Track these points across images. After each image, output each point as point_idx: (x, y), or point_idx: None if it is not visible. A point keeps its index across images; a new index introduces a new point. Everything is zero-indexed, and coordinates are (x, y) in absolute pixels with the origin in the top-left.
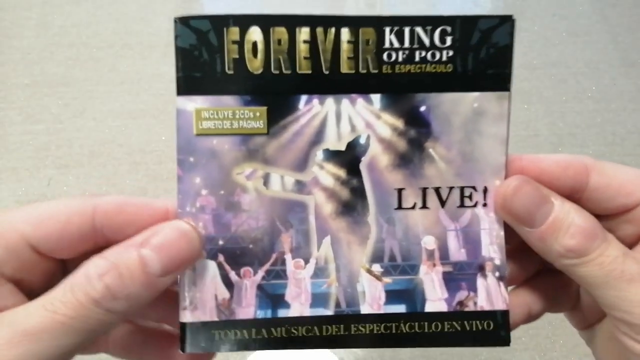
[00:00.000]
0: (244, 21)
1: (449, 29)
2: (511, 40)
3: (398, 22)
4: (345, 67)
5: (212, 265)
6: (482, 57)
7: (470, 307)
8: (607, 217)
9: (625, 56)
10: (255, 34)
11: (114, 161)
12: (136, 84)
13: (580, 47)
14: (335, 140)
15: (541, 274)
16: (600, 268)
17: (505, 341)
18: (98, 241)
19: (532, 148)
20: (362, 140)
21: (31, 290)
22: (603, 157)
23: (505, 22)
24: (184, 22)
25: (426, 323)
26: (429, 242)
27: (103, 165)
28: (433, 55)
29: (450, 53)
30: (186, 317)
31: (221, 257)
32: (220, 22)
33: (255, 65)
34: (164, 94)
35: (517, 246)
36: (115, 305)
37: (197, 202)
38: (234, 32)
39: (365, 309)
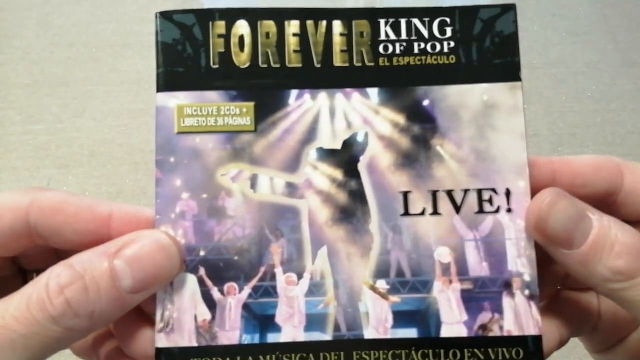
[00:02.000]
0: (231, 14)
1: (448, 20)
2: (516, 28)
3: (393, 14)
4: (338, 61)
5: (192, 280)
6: (488, 46)
7: (495, 331)
8: None
9: (625, 56)
10: (242, 27)
11: (114, 161)
12: (136, 84)
13: (580, 47)
14: (330, 138)
15: (563, 293)
16: None
17: None
18: (36, 240)
19: (532, 148)
20: (360, 138)
21: None
22: None
23: (508, 11)
24: (166, 17)
25: (442, 351)
26: (444, 255)
27: (103, 165)
28: (434, 47)
29: (452, 44)
30: (161, 341)
31: (202, 271)
32: (206, 16)
33: (242, 59)
34: None
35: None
36: (76, 324)
37: (177, 207)
38: (220, 26)
39: (369, 334)
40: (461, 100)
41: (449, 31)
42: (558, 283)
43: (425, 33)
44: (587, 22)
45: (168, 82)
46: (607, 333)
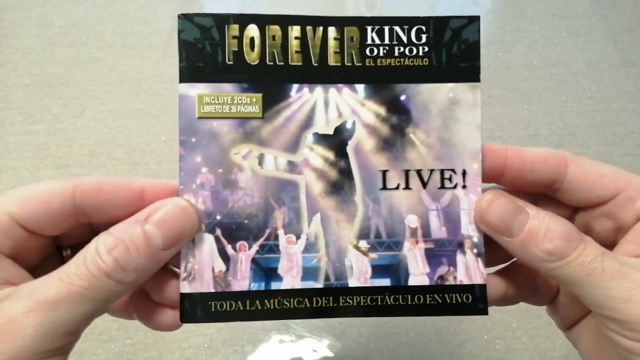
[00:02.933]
0: (244, 19)
1: (424, 28)
2: (478, 36)
3: (379, 22)
4: (332, 60)
5: (209, 239)
6: (455, 52)
7: (450, 281)
8: (585, 211)
9: (625, 56)
10: (253, 30)
11: (114, 161)
12: (136, 84)
13: (580, 47)
14: (324, 125)
15: (522, 266)
16: (581, 268)
17: (482, 312)
18: (80, 219)
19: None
20: (349, 125)
21: (28, 265)
22: (603, 157)
23: (474, 21)
24: (188, 18)
25: (409, 296)
26: (412, 221)
27: (103, 165)
28: (410, 51)
29: (426, 49)
30: (185, 288)
31: (218, 231)
32: (223, 19)
33: (252, 57)
34: (164, 94)
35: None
36: (124, 277)
37: (198, 179)
38: (234, 29)
39: (352, 282)
40: (431, 96)
41: (424, 37)
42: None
43: (404, 38)
44: (587, 22)
45: (190, 74)
46: (566, 309)
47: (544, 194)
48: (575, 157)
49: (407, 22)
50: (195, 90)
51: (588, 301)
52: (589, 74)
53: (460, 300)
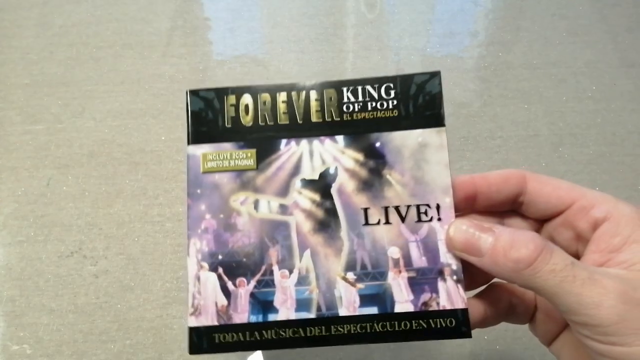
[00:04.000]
0: (239, 91)
1: (392, 85)
2: (440, 88)
3: (353, 83)
4: (314, 117)
5: (213, 277)
6: (420, 103)
7: (433, 307)
8: (548, 222)
9: (625, 56)
10: (247, 98)
11: (113, 161)
12: (136, 84)
13: (580, 47)
14: (310, 172)
15: (497, 282)
16: (553, 276)
17: (466, 335)
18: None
19: (532, 148)
20: (332, 171)
21: None
22: (603, 157)
23: (435, 76)
24: (194, 94)
25: (396, 322)
26: (394, 252)
27: (103, 165)
28: (382, 105)
29: (395, 102)
30: (192, 322)
31: (220, 270)
32: (222, 92)
33: (247, 120)
34: (164, 94)
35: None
36: None
37: (202, 224)
38: (231, 99)
39: (342, 312)
40: (402, 141)
41: (392, 93)
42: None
43: (376, 95)
44: (587, 22)
45: (196, 137)
46: (544, 325)
47: (513, 210)
48: (533, 174)
49: (377, 81)
50: (200, 150)
51: (562, 308)
52: (589, 74)
53: (444, 325)
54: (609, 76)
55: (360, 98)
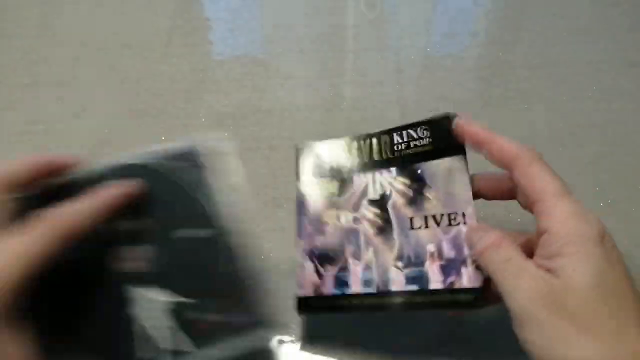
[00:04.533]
0: (326, 143)
1: (426, 127)
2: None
3: (400, 129)
4: (376, 156)
5: (310, 265)
6: (445, 138)
7: (457, 285)
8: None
9: (625, 56)
10: (334, 145)
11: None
12: (136, 84)
13: (580, 47)
14: (373, 194)
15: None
16: (492, 265)
17: (481, 307)
18: None
19: None
20: (387, 192)
21: None
22: (603, 157)
23: (453, 118)
24: (301, 149)
25: (430, 296)
26: (431, 247)
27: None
28: (420, 142)
29: (430, 139)
30: (298, 293)
31: (316, 260)
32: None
33: (337, 162)
34: (163, 94)
35: None
36: None
37: (305, 230)
38: (321, 147)
39: (393, 289)
40: (436, 168)
41: (427, 133)
42: None
43: (415, 135)
44: (587, 22)
45: (303, 173)
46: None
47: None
48: (524, 164)
49: (415, 126)
50: (306, 181)
51: (499, 290)
52: (589, 74)
53: (465, 299)
54: (609, 76)
55: (405, 139)
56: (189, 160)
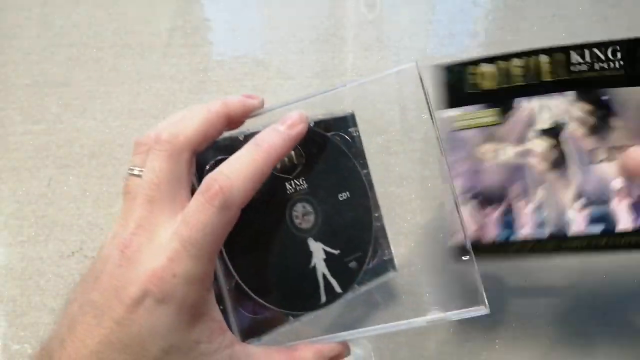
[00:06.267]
0: (477, 61)
1: (618, 47)
2: None
3: (580, 47)
4: (545, 77)
5: (471, 204)
6: None
7: None
8: None
9: None
10: (485, 66)
11: (114, 161)
12: (136, 84)
13: None
14: (543, 123)
15: None
16: None
17: None
18: None
19: None
20: (562, 120)
21: None
22: None
23: None
24: (447, 68)
25: (618, 238)
26: (617, 183)
27: (103, 165)
28: (608, 65)
29: (621, 63)
30: (458, 238)
31: (475, 201)
32: (462, 64)
33: (491, 84)
34: (164, 94)
35: None
36: None
37: (460, 167)
38: (471, 68)
39: (572, 231)
40: (628, 95)
41: (618, 54)
42: None
43: (602, 57)
44: (587, 22)
45: (448, 103)
46: None
47: None
48: None
49: (604, 45)
50: (451, 113)
51: None
52: None
53: None
54: None
55: (588, 59)
56: (343, 126)
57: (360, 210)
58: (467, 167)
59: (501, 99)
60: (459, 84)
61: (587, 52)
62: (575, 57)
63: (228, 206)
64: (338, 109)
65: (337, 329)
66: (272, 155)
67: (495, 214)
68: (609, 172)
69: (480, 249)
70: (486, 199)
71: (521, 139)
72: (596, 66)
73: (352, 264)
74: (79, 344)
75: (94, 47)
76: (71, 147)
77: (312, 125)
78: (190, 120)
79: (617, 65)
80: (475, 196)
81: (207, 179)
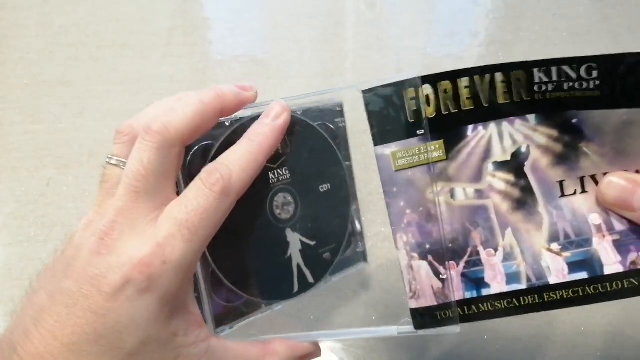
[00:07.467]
0: (417, 82)
1: (594, 65)
2: None
3: (545, 64)
4: (501, 99)
5: (424, 265)
6: (629, 83)
7: None
8: None
9: None
10: (426, 89)
11: None
12: (136, 84)
13: (580, 47)
14: (501, 154)
15: None
16: None
17: None
18: None
19: None
20: (523, 150)
21: None
22: None
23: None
24: (371, 92)
25: (607, 283)
26: (595, 219)
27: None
28: (580, 85)
29: (597, 82)
30: (412, 304)
31: (430, 257)
32: (400, 86)
33: (429, 111)
34: (163, 94)
35: None
36: None
37: (405, 219)
38: (410, 92)
39: (552, 280)
40: (604, 119)
41: (594, 73)
42: None
43: (574, 75)
44: (587, 21)
45: (381, 138)
46: None
47: None
48: None
49: (575, 62)
50: (389, 149)
51: None
52: None
53: None
54: None
55: (555, 78)
56: (330, 116)
57: (338, 202)
58: (416, 217)
59: (448, 127)
60: (394, 113)
61: (553, 70)
62: (538, 76)
63: (228, 193)
64: (327, 98)
65: (312, 325)
66: (264, 146)
67: (458, 269)
68: (583, 206)
69: (448, 309)
70: (445, 251)
71: (477, 176)
72: (565, 86)
73: (326, 255)
74: (48, 335)
75: (94, 46)
76: (70, 147)
77: (299, 113)
78: (182, 111)
79: (591, 85)
80: (429, 251)
81: (208, 167)
